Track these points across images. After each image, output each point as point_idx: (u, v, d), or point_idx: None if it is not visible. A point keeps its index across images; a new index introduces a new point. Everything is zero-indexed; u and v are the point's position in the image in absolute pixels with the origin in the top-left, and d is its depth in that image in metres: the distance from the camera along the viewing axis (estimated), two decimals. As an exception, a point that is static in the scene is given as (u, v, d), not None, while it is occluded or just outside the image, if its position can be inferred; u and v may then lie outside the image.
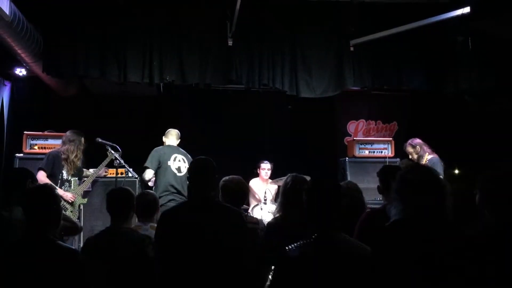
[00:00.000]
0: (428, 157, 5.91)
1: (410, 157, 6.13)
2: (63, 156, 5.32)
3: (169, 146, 5.77)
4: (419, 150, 6.03)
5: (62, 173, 5.34)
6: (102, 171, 5.76)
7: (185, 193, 5.42)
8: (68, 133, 5.51)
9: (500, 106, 6.93)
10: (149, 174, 5.54)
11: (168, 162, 5.55)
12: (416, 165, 2.43)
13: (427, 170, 2.40)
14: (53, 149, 5.58)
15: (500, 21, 5.27)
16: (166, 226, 3.06)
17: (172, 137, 5.83)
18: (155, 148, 5.68)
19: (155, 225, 3.68)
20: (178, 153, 5.67)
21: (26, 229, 2.62)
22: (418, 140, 6.09)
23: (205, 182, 3.10)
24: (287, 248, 2.40)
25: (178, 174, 5.54)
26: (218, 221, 2.97)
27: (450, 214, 2.28)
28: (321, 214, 2.49)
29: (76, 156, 5.40)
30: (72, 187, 5.38)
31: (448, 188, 2.35)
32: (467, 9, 5.15)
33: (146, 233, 3.56)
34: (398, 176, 2.38)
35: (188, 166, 5.44)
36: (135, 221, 3.87)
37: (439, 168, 5.82)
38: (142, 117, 7.71)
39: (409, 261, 2.17)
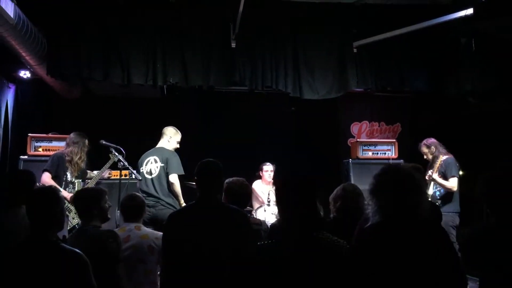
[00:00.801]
0: (443, 158, 5.79)
1: (425, 157, 6.04)
2: (67, 158, 5.34)
3: (152, 149, 5.72)
4: (434, 150, 5.92)
5: (66, 175, 5.36)
6: (105, 173, 5.79)
7: (158, 193, 5.38)
8: (72, 135, 5.53)
9: (502, 106, 6.93)
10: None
11: (141, 168, 5.55)
12: (389, 166, 2.44)
13: (398, 169, 2.45)
14: (57, 151, 5.61)
15: (503, 23, 5.27)
16: (172, 227, 3.08)
17: (162, 137, 5.76)
18: None
19: (140, 225, 3.74)
20: (151, 155, 5.59)
21: (29, 231, 2.63)
22: (432, 140, 5.98)
23: (212, 185, 3.12)
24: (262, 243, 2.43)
25: (149, 177, 5.49)
26: (223, 222, 2.99)
27: (426, 212, 2.32)
28: (291, 210, 2.42)
29: (80, 158, 5.42)
30: (76, 189, 5.39)
31: (423, 187, 2.41)
32: (470, 11, 5.14)
33: (129, 233, 3.63)
34: (372, 178, 2.44)
35: (160, 163, 5.47)
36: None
37: (454, 169, 5.74)
38: (146, 119, 7.73)
39: (388, 262, 2.22)
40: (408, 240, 2.23)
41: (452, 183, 5.69)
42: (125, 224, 3.79)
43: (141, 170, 5.53)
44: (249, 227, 3.13)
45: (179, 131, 5.80)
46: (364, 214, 2.60)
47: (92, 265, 2.59)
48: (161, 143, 5.72)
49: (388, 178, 2.38)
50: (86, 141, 5.53)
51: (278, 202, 2.49)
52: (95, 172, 5.76)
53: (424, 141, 6.05)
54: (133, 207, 3.83)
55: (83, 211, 3.44)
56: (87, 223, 3.37)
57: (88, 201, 3.41)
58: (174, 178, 5.41)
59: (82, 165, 5.48)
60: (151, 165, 5.56)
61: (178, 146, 5.80)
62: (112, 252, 3.14)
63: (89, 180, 5.66)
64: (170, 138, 5.73)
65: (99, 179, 5.73)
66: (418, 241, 2.23)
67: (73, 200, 3.41)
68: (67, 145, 5.49)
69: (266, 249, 2.39)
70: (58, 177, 5.25)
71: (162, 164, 5.47)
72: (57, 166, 5.28)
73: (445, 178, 5.73)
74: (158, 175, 5.44)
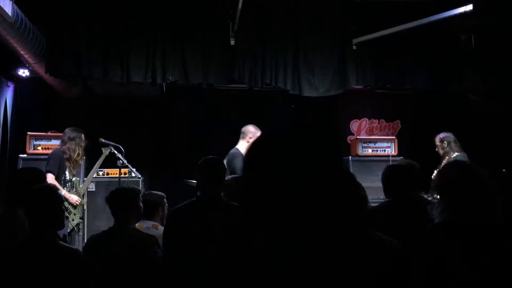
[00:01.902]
0: (453, 155, 5.74)
1: (436, 149, 6.00)
2: (65, 156, 5.22)
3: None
4: (446, 145, 5.85)
5: (65, 174, 5.25)
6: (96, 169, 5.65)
7: None
8: (67, 130, 5.38)
9: (503, 104, 6.91)
10: None
11: None
12: (456, 162, 2.26)
13: (470, 167, 2.20)
14: (54, 149, 5.45)
15: (503, 19, 5.25)
16: (174, 223, 3.08)
17: (240, 137, 5.48)
18: None
19: (157, 224, 3.72)
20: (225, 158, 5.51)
21: (28, 230, 2.62)
22: (447, 135, 5.90)
23: (215, 182, 3.12)
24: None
25: None
26: (225, 219, 2.99)
27: (499, 216, 2.06)
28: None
29: (78, 154, 5.28)
30: (75, 189, 5.32)
31: (495, 187, 2.11)
32: (469, 7, 5.12)
33: (147, 231, 3.59)
34: (439, 173, 2.23)
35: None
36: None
37: None
38: (145, 117, 7.72)
39: (452, 267, 1.96)
40: (480, 244, 1.98)
41: None
42: (142, 222, 3.71)
43: None
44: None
45: (259, 130, 5.45)
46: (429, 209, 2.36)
47: (128, 270, 2.51)
48: (239, 144, 5.42)
49: (459, 173, 2.13)
50: (83, 136, 5.38)
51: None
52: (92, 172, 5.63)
53: (440, 134, 5.97)
54: (147, 203, 3.74)
55: (121, 211, 3.26)
56: (124, 225, 3.22)
57: (128, 200, 3.29)
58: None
59: (81, 162, 5.38)
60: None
61: None
62: (156, 260, 3.02)
63: (84, 178, 5.61)
64: (250, 138, 5.33)
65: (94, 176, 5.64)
66: (490, 247, 1.97)
67: (108, 200, 3.25)
68: (63, 142, 5.33)
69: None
70: (58, 177, 5.14)
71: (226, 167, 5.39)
72: (58, 165, 5.15)
73: None
74: None
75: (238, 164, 5.15)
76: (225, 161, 5.41)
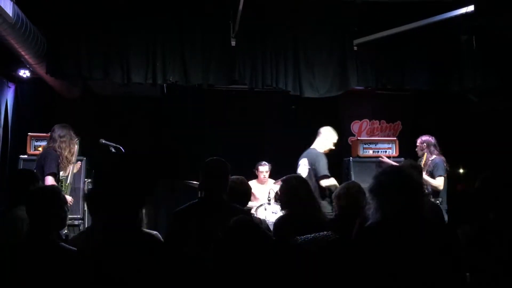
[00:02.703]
0: (431, 157, 6.00)
1: (416, 149, 6.23)
2: (56, 153, 5.07)
3: (306, 151, 5.83)
4: (424, 147, 6.11)
5: (59, 173, 5.10)
6: (77, 164, 5.56)
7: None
8: (55, 128, 5.22)
9: (504, 104, 6.91)
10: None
11: (297, 171, 5.54)
12: (390, 167, 2.61)
13: (399, 171, 2.58)
14: (47, 148, 5.24)
15: (505, 20, 5.24)
16: (175, 224, 3.07)
17: (317, 137, 5.85)
18: None
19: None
20: (303, 157, 5.69)
21: (29, 230, 2.62)
22: (427, 138, 6.15)
23: (219, 184, 3.10)
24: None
25: None
26: (227, 221, 2.98)
27: (425, 212, 2.41)
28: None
29: (70, 152, 5.12)
30: (64, 187, 5.17)
31: (422, 188, 2.50)
32: (471, 8, 5.12)
33: None
34: (373, 178, 2.52)
35: (308, 166, 5.49)
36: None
37: (441, 169, 5.93)
38: (146, 117, 7.72)
39: (389, 261, 2.26)
40: (408, 239, 2.27)
41: (439, 182, 5.91)
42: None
43: (297, 173, 5.48)
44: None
45: (335, 132, 5.83)
46: (363, 213, 2.65)
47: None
48: (315, 144, 5.81)
49: (388, 178, 2.44)
50: (72, 133, 5.25)
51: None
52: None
53: (422, 137, 6.21)
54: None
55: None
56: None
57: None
58: (323, 182, 5.40)
59: (73, 159, 5.20)
60: (300, 168, 5.61)
61: (333, 147, 5.83)
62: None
63: (85, 180, 5.57)
64: (326, 139, 5.76)
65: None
66: (418, 240, 2.27)
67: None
68: (53, 140, 5.14)
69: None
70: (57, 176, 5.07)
71: (309, 167, 5.45)
72: (56, 164, 5.03)
73: (433, 177, 5.93)
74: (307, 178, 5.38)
75: (324, 163, 5.53)
76: (303, 161, 5.49)
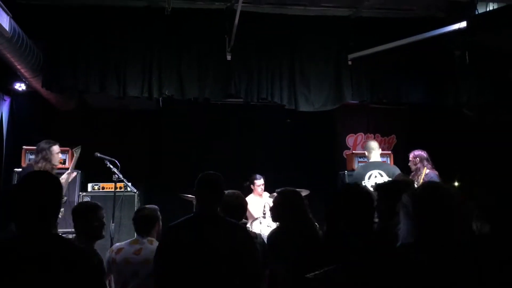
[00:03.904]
0: (426, 171, 5.92)
1: (408, 164, 6.16)
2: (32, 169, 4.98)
3: (369, 163, 5.88)
4: (417, 162, 6.03)
5: None
6: (73, 173, 5.57)
7: None
8: (40, 143, 5.26)
9: (498, 118, 6.95)
10: None
11: (363, 182, 5.53)
12: (432, 183, 2.33)
13: (444, 188, 2.22)
14: (27, 164, 5.31)
15: (497, 36, 5.31)
16: (170, 239, 3.05)
17: (374, 152, 5.91)
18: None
19: (153, 239, 3.69)
20: (374, 169, 5.70)
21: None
22: (420, 153, 6.08)
23: (213, 198, 3.09)
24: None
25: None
26: (223, 236, 2.97)
27: (465, 236, 2.10)
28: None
29: (41, 168, 5.02)
30: None
31: (464, 208, 2.15)
32: (463, 24, 5.18)
33: (142, 246, 3.58)
34: (410, 193, 2.22)
35: (387, 177, 5.51)
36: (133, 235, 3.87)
37: None
38: (142, 131, 7.73)
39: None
40: (444, 264, 2.04)
41: None
42: (138, 237, 3.73)
43: (362, 184, 5.43)
44: (250, 240, 3.12)
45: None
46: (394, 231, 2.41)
47: None
48: (376, 157, 5.93)
49: (431, 199, 2.14)
50: (53, 148, 5.21)
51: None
52: (64, 176, 5.45)
53: (415, 151, 6.14)
54: (140, 219, 3.74)
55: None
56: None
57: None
58: None
59: (55, 167, 5.17)
60: (377, 179, 5.59)
61: None
62: None
63: (79, 193, 5.53)
64: (379, 150, 5.96)
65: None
66: (453, 266, 2.03)
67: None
68: (35, 155, 5.23)
69: None
70: None
71: (389, 178, 5.46)
72: None
73: None
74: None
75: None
76: (379, 171, 5.59)
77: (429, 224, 2.07)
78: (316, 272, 2.06)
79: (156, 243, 3.60)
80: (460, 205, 2.12)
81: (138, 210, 3.89)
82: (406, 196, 2.18)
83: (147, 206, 3.98)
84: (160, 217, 3.87)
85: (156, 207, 3.94)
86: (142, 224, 3.72)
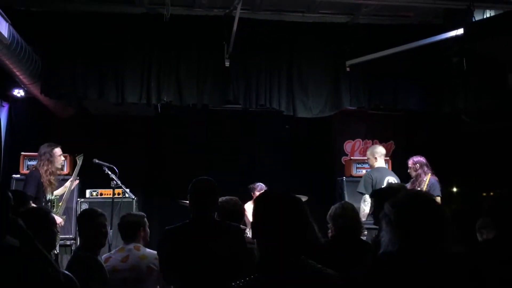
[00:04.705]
0: (425, 177, 5.91)
1: (408, 171, 6.14)
2: (39, 174, 5.04)
3: (381, 168, 5.90)
4: (418, 168, 6.01)
5: (45, 194, 5.04)
6: (76, 181, 5.58)
7: None
8: (41, 146, 5.25)
9: (496, 125, 6.98)
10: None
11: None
12: (413, 192, 2.31)
13: (425, 196, 2.25)
14: (29, 171, 5.27)
15: (493, 43, 5.34)
16: (167, 243, 3.08)
17: (382, 157, 5.97)
18: (367, 172, 5.96)
19: (139, 245, 3.70)
20: (388, 175, 5.76)
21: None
22: (420, 159, 6.08)
23: (208, 204, 3.11)
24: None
25: None
26: (220, 238, 2.99)
27: (450, 244, 2.09)
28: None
29: (47, 171, 5.05)
30: (55, 209, 5.13)
31: (448, 216, 2.14)
32: (460, 31, 5.21)
33: (128, 253, 3.59)
34: (391, 202, 2.21)
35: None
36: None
37: (437, 190, 5.87)
38: (140, 137, 7.73)
39: None
40: (428, 273, 2.02)
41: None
42: (124, 244, 3.72)
43: None
44: (243, 239, 3.14)
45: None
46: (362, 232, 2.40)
47: None
48: (383, 163, 6.02)
49: (411, 208, 2.13)
50: (56, 150, 5.19)
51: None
52: (67, 183, 5.48)
53: (413, 158, 6.13)
54: (124, 225, 3.75)
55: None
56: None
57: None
58: None
59: (52, 178, 5.12)
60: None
61: None
62: None
63: (77, 199, 5.53)
64: (383, 158, 6.01)
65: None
66: (438, 275, 2.02)
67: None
68: (37, 159, 5.18)
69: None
70: (38, 198, 4.95)
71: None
72: (34, 186, 4.92)
73: None
74: None
75: None
76: (393, 178, 5.70)
77: (409, 233, 2.07)
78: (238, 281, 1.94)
79: (143, 249, 3.66)
80: (441, 213, 2.13)
81: (122, 216, 3.88)
82: (388, 205, 2.18)
83: (132, 212, 3.97)
84: (147, 223, 3.86)
85: (142, 213, 3.95)
86: (126, 230, 3.74)
